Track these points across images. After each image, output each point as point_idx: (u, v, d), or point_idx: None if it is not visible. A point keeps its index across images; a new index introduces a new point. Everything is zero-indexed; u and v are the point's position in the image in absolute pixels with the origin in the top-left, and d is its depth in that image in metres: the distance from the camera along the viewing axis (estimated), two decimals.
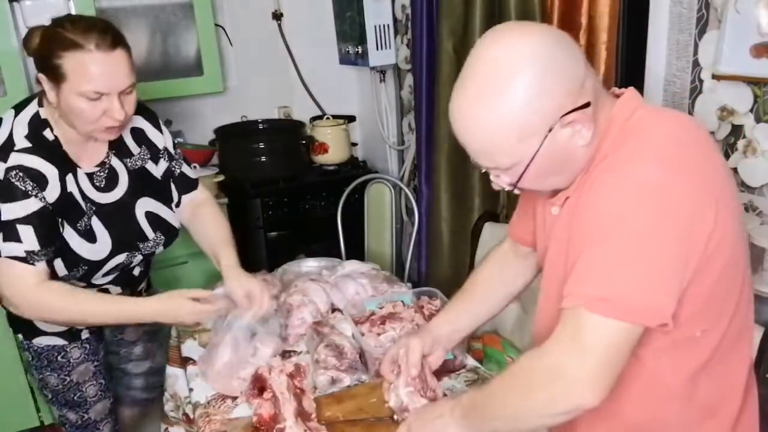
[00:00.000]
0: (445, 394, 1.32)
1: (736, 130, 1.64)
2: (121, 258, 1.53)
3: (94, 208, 1.48)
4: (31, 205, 1.35)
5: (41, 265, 1.37)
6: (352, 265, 1.90)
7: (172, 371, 1.66)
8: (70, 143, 1.44)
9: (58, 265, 1.43)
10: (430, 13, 2.49)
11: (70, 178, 1.44)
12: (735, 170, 1.65)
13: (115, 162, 1.54)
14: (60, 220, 1.41)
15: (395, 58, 2.91)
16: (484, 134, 0.94)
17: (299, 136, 2.96)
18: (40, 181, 1.37)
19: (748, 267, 1.03)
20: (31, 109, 1.43)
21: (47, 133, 1.41)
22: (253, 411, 1.27)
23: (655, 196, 0.87)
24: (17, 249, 1.34)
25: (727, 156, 1.67)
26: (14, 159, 1.35)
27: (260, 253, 2.84)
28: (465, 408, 1.05)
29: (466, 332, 1.35)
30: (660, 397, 1.01)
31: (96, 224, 1.48)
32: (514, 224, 1.32)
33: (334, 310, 1.73)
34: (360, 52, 2.89)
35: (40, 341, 1.58)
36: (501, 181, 1.01)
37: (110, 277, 1.56)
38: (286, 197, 2.85)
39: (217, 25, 2.86)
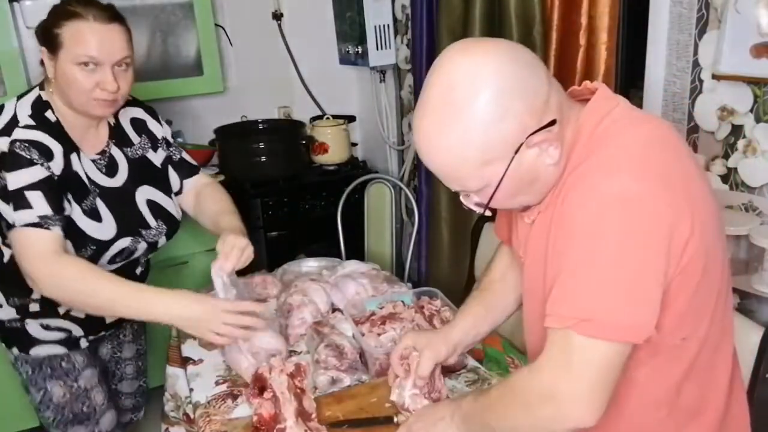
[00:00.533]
0: (447, 396, 1.32)
1: (736, 130, 1.64)
2: (126, 242, 1.51)
3: (98, 191, 1.49)
4: (37, 173, 1.35)
5: (57, 230, 1.35)
6: (352, 265, 1.90)
7: (173, 371, 1.66)
8: (71, 128, 1.46)
9: (67, 245, 1.41)
10: (430, 13, 2.49)
11: (74, 157, 1.45)
12: (735, 170, 1.66)
13: (115, 151, 1.56)
14: (66, 195, 1.41)
15: (395, 58, 2.91)
16: (448, 161, 0.92)
17: (299, 136, 2.96)
18: (45, 153, 1.38)
19: (726, 266, 1.01)
20: (33, 93, 1.46)
21: (49, 114, 1.43)
22: (253, 411, 1.27)
23: (630, 209, 0.85)
24: (29, 216, 1.33)
25: (727, 156, 1.67)
26: (18, 133, 1.37)
27: (260, 253, 2.84)
28: (464, 414, 1.06)
29: (484, 337, 1.34)
30: (646, 405, 1.01)
31: (100, 205, 1.48)
32: (499, 225, 1.30)
33: (334, 310, 1.73)
34: (360, 52, 2.89)
35: (38, 351, 1.54)
36: (470, 203, 0.99)
37: (116, 265, 1.54)
38: (286, 197, 2.85)
39: (217, 25, 2.86)
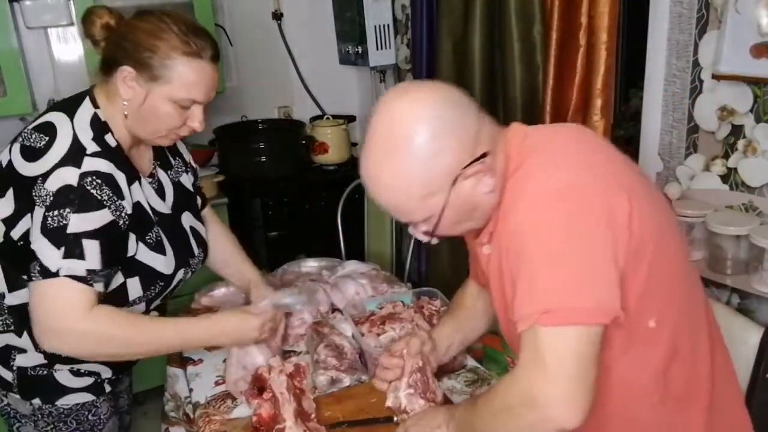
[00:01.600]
0: (445, 395, 1.32)
1: (736, 130, 1.63)
2: (181, 274, 1.39)
3: (157, 218, 1.35)
4: (103, 218, 1.19)
5: (99, 287, 1.20)
6: (352, 266, 1.90)
7: (172, 371, 1.66)
8: (128, 152, 1.32)
9: (134, 285, 1.29)
10: (430, 13, 2.49)
11: (136, 186, 1.30)
12: (735, 170, 1.66)
13: (161, 174, 1.43)
14: (129, 237, 1.26)
15: (395, 58, 2.91)
16: (391, 196, 1.00)
17: (299, 136, 2.96)
18: (116, 189, 1.22)
19: (685, 252, 1.07)
20: (87, 110, 1.26)
21: (109, 139, 1.26)
22: (253, 411, 1.27)
23: (565, 198, 0.91)
24: (78, 267, 1.16)
25: (727, 156, 1.67)
26: (89, 164, 1.19)
27: (260, 253, 2.84)
28: (458, 423, 1.09)
29: (455, 353, 1.39)
30: (635, 394, 1.02)
31: (162, 235, 1.35)
32: (471, 266, 1.35)
33: (334, 310, 1.73)
34: (360, 52, 2.89)
35: (66, 401, 1.35)
36: (418, 233, 1.05)
37: (160, 303, 1.43)
38: (286, 197, 2.85)
39: (217, 25, 2.86)
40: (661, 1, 1.76)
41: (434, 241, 1.06)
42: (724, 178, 1.69)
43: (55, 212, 1.15)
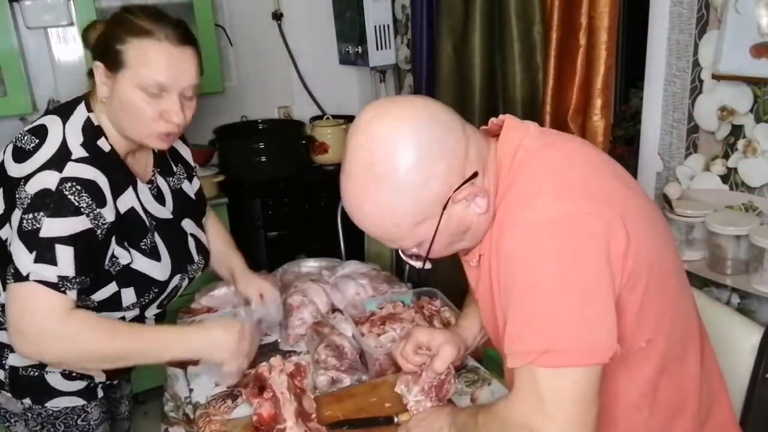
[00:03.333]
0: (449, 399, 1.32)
1: (736, 130, 1.64)
2: (176, 281, 1.38)
3: (154, 223, 1.34)
4: (78, 225, 1.16)
5: (72, 295, 1.17)
6: (352, 266, 1.90)
7: (172, 371, 1.65)
8: (125, 156, 1.31)
9: (128, 293, 1.28)
10: (430, 13, 2.49)
11: (130, 192, 1.29)
12: (735, 170, 1.66)
13: (161, 181, 1.42)
14: (116, 246, 1.25)
15: (395, 58, 2.91)
16: (377, 226, 0.94)
17: (299, 136, 2.96)
18: (97, 197, 1.19)
19: (677, 260, 1.02)
20: (80, 114, 1.26)
21: (102, 143, 1.25)
22: (253, 411, 1.27)
23: (558, 231, 0.85)
24: (49, 273, 1.14)
25: (727, 156, 1.67)
26: (71, 169, 1.17)
27: (260, 253, 2.84)
28: (458, 429, 1.08)
29: (482, 341, 1.35)
30: (627, 409, 1.00)
31: (158, 241, 1.34)
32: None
33: (334, 310, 1.73)
34: (360, 52, 2.89)
35: (56, 404, 1.34)
36: (409, 257, 1.02)
37: (161, 309, 1.43)
38: (286, 197, 2.85)
39: (217, 25, 2.86)
40: (661, 1, 1.76)
41: (427, 265, 1.01)
42: (724, 178, 1.69)
43: (30, 215, 1.15)
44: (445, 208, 0.92)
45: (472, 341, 1.31)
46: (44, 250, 1.14)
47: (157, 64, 1.19)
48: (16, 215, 1.17)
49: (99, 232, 1.20)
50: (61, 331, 1.16)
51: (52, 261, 1.14)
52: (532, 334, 0.86)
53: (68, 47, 2.70)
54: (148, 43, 1.18)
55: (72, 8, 2.57)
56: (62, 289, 1.16)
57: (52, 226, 1.15)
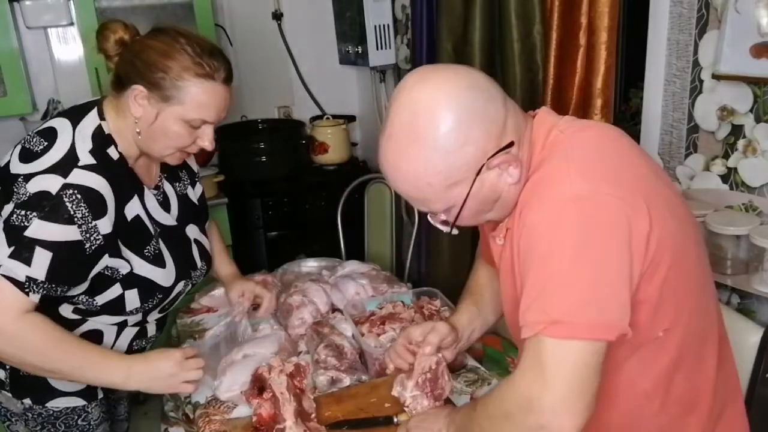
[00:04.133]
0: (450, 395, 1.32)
1: (736, 130, 1.63)
2: (180, 287, 1.39)
3: (159, 229, 1.35)
4: (66, 233, 1.15)
5: (34, 298, 1.16)
6: (352, 266, 1.90)
7: None
8: (134, 164, 1.31)
9: (132, 298, 1.29)
10: (430, 13, 2.49)
11: (136, 200, 1.29)
12: (735, 170, 1.66)
13: (167, 186, 1.43)
14: (121, 251, 1.25)
15: (395, 58, 2.91)
16: (413, 185, 0.96)
17: (299, 136, 2.96)
18: (98, 206, 1.19)
19: (703, 257, 1.03)
20: (91, 121, 1.25)
21: (112, 151, 1.25)
22: (253, 411, 1.27)
23: (584, 209, 0.87)
24: (19, 270, 1.13)
25: (727, 156, 1.67)
26: (76, 176, 1.17)
27: (260, 253, 2.84)
28: (458, 427, 1.08)
29: (478, 336, 1.35)
30: (637, 397, 1.01)
31: (163, 248, 1.35)
32: (484, 251, 1.32)
33: (334, 310, 1.73)
34: (360, 52, 2.89)
35: (57, 404, 1.35)
36: (437, 221, 1.04)
37: (164, 313, 1.44)
38: (286, 197, 2.85)
39: (217, 25, 2.86)
40: (661, 1, 1.75)
41: (454, 231, 1.03)
42: (724, 178, 1.69)
43: (22, 212, 1.15)
44: (479, 173, 0.94)
45: (463, 333, 1.30)
46: (23, 249, 1.14)
47: (209, 106, 1.22)
48: (8, 208, 1.17)
49: (88, 246, 1.19)
50: (6, 330, 1.15)
51: (27, 261, 1.14)
52: (544, 304, 0.87)
53: (68, 47, 2.70)
54: (207, 84, 1.20)
55: (72, 8, 2.57)
56: (26, 290, 1.15)
57: (39, 228, 1.14)
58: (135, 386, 1.26)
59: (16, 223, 1.15)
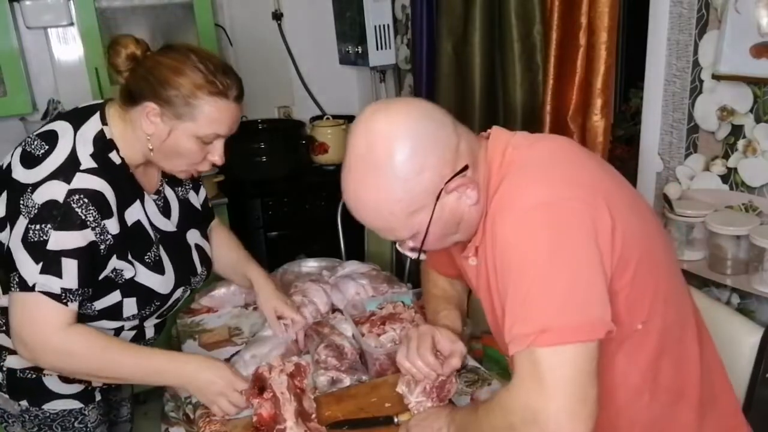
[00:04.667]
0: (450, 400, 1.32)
1: (736, 130, 1.64)
2: (179, 293, 1.39)
3: (159, 236, 1.35)
4: (83, 238, 1.18)
5: (73, 307, 1.19)
6: (352, 266, 1.90)
7: None
8: (135, 169, 1.31)
9: (130, 304, 1.29)
10: (430, 13, 2.49)
11: (137, 205, 1.30)
12: (735, 170, 1.66)
13: (168, 191, 1.43)
14: (128, 255, 1.27)
15: (395, 58, 2.91)
16: (376, 214, 1.00)
17: (299, 136, 2.96)
18: (104, 208, 1.20)
19: (670, 248, 1.08)
20: (93, 125, 1.25)
21: (114, 156, 1.26)
22: (253, 411, 1.27)
23: (548, 214, 0.90)
24: (54, 285, 1.16)
25: (727, 156, 1.67)
26: (79, 180, 1.18)
27: (260, 253, 2.84)
28: (457, 427, 1.09)
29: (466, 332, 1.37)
30: (628, 394, 1.02)
31: (162, 255, 1.35)
32: (432, 261, 1.35)
33: (334, 310, 1.73)
34: (360, 52, 2.89)
35: (53, 406, 1.35)
36: (405, 249, 1.07)
37: (162, 319, 1.44)
38: (286, 197, 2.85)
39: (217, 25, 2.86)
40: (661, 1, 1.76)
41: (423, 256, 1.06)
42: (724, 178, 1.69)
43: (37, 226, 1.16)
44: (438, 198, 0.97)
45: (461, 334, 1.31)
46: (51, 262, 1.16)
47: (221, 123, 1.23)
48: (22, 224, 1.17)
49: (102, 246, 1.21)
50: (58, 347, 1.20)
51: (58, 273, 1.16)
52: (530, 316, 0.89)
53: (68, 47, 2.70)
54: (220, 102, 1.21)
55: (72, 8, 2.56)
56: (65, 301, 1.18)
57: (59, 239, 1.16)
58: (185, 387, 1.32)
59: (36, 239, 1.16)
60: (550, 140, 1.08)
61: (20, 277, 1.17)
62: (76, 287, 1.19)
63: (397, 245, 1.09)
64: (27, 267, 1.16)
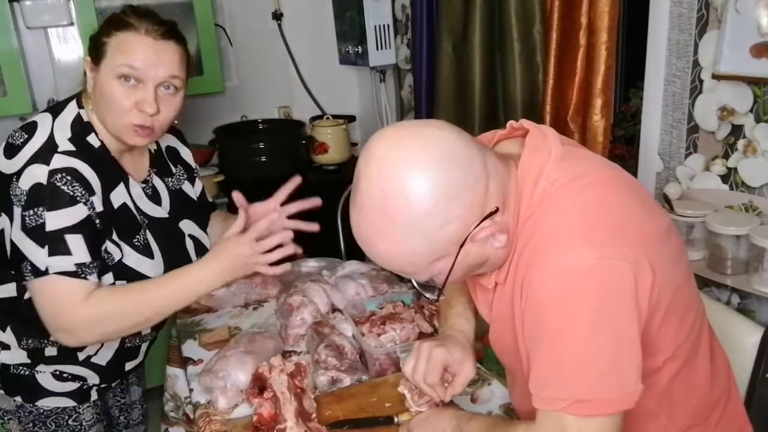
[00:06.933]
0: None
1: (736, 130, 1.64)
2: None
3: (146, 221, 1.34)
4: (79, 212, 1.18)
5: (93, 278, 1.20)
6: (353, 266, 1.90)
7: (172, 371, 1.66)
8: (117, 153, 1.31)
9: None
10: (430, 13, 2.49)
11: (121, 188, 1.30)
12: (735, 170, 1.66)
13: (157, 181, 1.42)
14: (112, 235, 1.26)
15: (395, 58, 2.91)
16: (393, 264, 0.92)
17: (299, 136, 2.96)
18: (87, 186, 1.21)
19: (691, 277, 1.01)
20: (71, 111, 1.28)
21: (92, 139, 1.27)
22: (254, 411, 1.27)
23: (588, 281, 0.84)
24: (67, 263, 1.17)
25: (727, 156, 1.67)
26: (58, 161, 1.19)
27: None
28: None
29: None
30: (644, 419, 1.00)
31: (150, 238, 1.34)
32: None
33: (334, 310, 1.73)
34: (360, 52, 2.89)
35: (46, 403, 1.36)
36: (424, 290, 1.00)
37: None
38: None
39: (217, 25, 2.86)
40: (661, 1, 1.75)
41: (442, 297, 1.00)
42: (724, 178, 1.69)
43: (31, 211, 1.17)
44: (462, 245, 0.89)
45: (473, 339, 1.28)
46: (56, 243, 1.16)
47: (133, 52, 1.21)
48: (17, 213, 1.18)
49: (97, 221, 1.22)
50: (91, 318, 1.19)
51: (66, 251, 1.17)
52: (564, 382, 0.86)
53: (68, 47, 2.70)
54: (129, 34, 1.21)
55: (72, 8, 2.56)
56: (82, 275, 1.18)
57: (55, 219, 1.16)
58: (223, 282, 1.31)
59: (33, 224, 1.17)
60: (594, 174, 0.93)
61: (32, 264, 1.17)
62: (90, 260, 1.19)
63: (414, 283, 1.01)
64: (35, 253, 1.17)
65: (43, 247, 1.16)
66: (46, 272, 1.16)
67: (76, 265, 1.17)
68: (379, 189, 0.86)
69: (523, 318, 0.92)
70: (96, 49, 1.23)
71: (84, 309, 1.18)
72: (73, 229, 1.17)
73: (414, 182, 0.84)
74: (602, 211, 0.90)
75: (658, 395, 0.99)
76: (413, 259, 0.89)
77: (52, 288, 1.18)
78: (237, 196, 1.40)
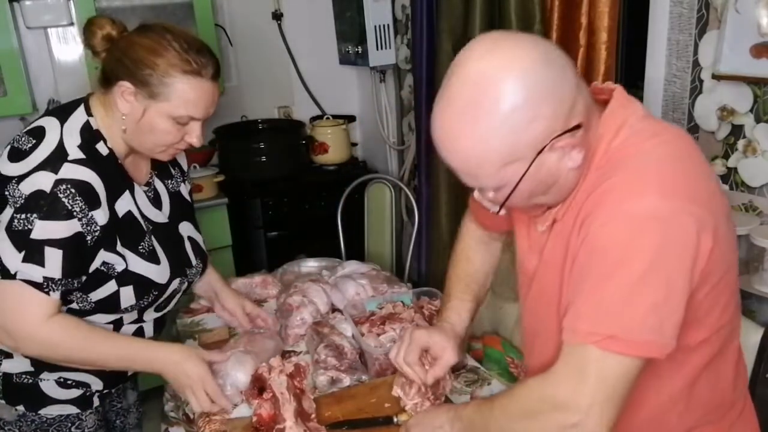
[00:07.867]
0: (447, 397, 1.32)
1: (736, 130, 1.64)
2: (175, 284, 1.39)
3: (151, 227, 1.34)
4: (69, 228, 1.17)
5: (55, 296, 1.19)
6: (352, 266, 1.90)
7: None
8: (123, 160, 1.31)
9: (127, 294, 1.28)
10: (430, 13, 2.49)
11: (127, 195, 1.29)
12: (735, 170, 1.66)
13: (158, 183, 1.42)
14: (117, 246, 1.26)
15: (395, 58, 2.91)
16: (468, 156, 0.90)
17: (299, 136, 2.97)
18: (92, 198, 1.19)
19: (736, 266, 1.01)
20: (79, 117, 1.26)
21: (101, 147, 1.25)
22: (253, 411, 1.27)
23: (660, 230, 0.84)
24: (35, 273, 1.16)
25: (727, 156, 1.67)
26: (66, 170, 1.18)
27: (260, 253, 2.84)
28: (467, 424, 1.06)
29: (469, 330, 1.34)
30: (663, 399, 1.01)
31: (155, 244, 1.34)
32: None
33: (334, 310, 1.73)
34: (360, 52, 2.89)
35: (50, 411, 1.34)
36: (484, 199, 0.98)
37: (161, 313, 1.43)
38: (286, 197, 2.85)
39: (217, 25, 2.86)
40: (661, 1, 1.76)
41: (502, 212, 0.98)
42: (724, 178, 1.69)
43: (23, 215, 1.16)
44: (539, 152, 0.88)
45: (462, 334, 1.29)
46: (33, 251, 1.16)
47: (196, 103, 1.21)
48: (8, 213, 1.17)
49: (89, 238, 1.20)
50: (40, 337, 1.21)
51: (40, 262, 1.16)
52: (603, 317, 0.86)
53: (68, 47, 2.70)
54: (193, 81, 1.19)
55: (72, 8, 2.57)
56: (46, 290, 1.18)
57: (43, 229, 1.16)
58: (163, 373, 1.32)
59: (20, 228, 1.16)
60: (671, 135, 0.94)
61: (2, 265, 1.16)
62: (59, 277, 1.18)
63: (475, 194, 0.98)
64: (9, 255, 1.16)
65: (20, 251, 1.16)
66: (14, 276, 1.16)
67: (44, 278, 1.17)
68: (472, 84, 0.87)
69: (575, 258, 0.92)
70: (149, 86, 1.19)
71: (42, 328, 1.19)
72: (56, 243, 1.17)
73: (510, 77, 0.85)
74: (679, 169, 0.90)
75: (686, 380, 0.99)
76: (491, 156, 0.88)
77: (14, 292, 1.18)
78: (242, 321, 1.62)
